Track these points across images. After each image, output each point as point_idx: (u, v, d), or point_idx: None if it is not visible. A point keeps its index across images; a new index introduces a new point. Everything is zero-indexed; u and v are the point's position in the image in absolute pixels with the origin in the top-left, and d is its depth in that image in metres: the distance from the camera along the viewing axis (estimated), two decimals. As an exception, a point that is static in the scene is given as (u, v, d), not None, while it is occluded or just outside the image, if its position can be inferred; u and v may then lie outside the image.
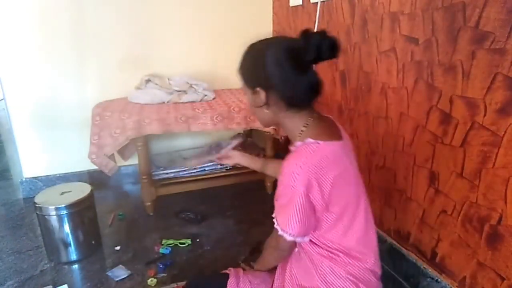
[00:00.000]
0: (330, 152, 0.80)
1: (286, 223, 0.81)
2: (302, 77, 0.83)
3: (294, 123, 0.87)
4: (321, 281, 0.85)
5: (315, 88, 0.85)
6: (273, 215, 0.86)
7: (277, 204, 0.85)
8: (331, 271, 0.85)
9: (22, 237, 1.70)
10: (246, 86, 0.89)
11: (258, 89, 0.84)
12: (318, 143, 0.80)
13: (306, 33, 0.80)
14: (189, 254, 1.55)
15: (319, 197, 0.79)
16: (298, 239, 0.83)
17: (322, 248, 0.86)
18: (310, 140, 0.80)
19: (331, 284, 0.84)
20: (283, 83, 0.83)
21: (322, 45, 0.78)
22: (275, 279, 0.97)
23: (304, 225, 0.80)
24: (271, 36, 1.00)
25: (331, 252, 0.86)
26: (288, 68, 0.81)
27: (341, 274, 0.84)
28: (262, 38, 0.90)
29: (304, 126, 0.85)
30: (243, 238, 1.66)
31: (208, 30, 2.18)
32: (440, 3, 1.06)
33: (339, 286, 0.84)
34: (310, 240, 0.87)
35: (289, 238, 0.81)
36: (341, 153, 0.83)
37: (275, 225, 0.84)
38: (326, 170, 0.78)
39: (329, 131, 0.86)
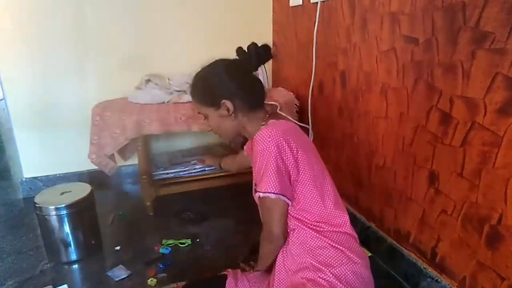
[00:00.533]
0: (292, 126, 1.00)
1: (267, 184, 0.90)
2: (253, 81, 1.03)
3: (256, 123, 1.01)
4: (311, 256, 0.90)
5: (263, 88, 1.05)
6: (256, 194, 0.96)
7: (257, 178, 0.94)
8: (318, 244, 0.91)
9: (22, 237, 1.70)
10: (206, 107, 1.02)
11: (223, 101, 0.98)
12: (279, 121, 0.98)
13: (241, 48, 1.04)
14: (189, 254, 1.55)
15: (290, 156, 0.91)
16: (282, 197, 0.91)
17: (306, 223, 0.93)
18: (273, 120, 0.99)
19: (320, 256, 0.89)
20: (243, 89, 1.00)
21: (260, 52, 1.01)
22: (270, 280, 0.97)
23: (283, 182, 0.91)
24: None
25: (315, 225, 0.93)
26: (241, 76, 1.02)
27: (327, 244, 0.90)
28: (202, 68, 1.08)
29: (264, 122, 1.01)
30: (243, 238, 1.66)
31: (208, 30, 2.18)
32: (440, 3, 1.06)
33: (328, 256, 0.89)
34: (295, 218, 0.95)
35: (273, 196, 0.90)
36: (301, 132, 1.02)
37: (258, 195, 0.93)
38: (292, 136, 0.93)
39: (286, 119, 1.04)
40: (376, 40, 1.37)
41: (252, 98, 1.02)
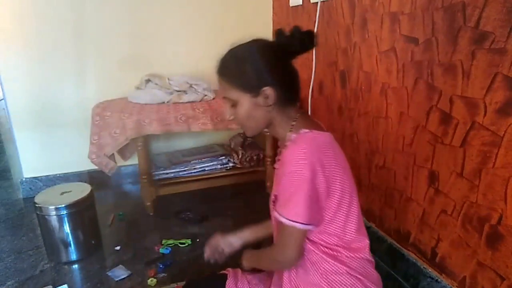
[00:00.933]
0: (326, 140, 0.85)
1: (295, 212, 0.78)
2: (294, 70, 0.89)
3: (286, 119, 0.88)
4: (324, 281, 0.84)
5: (299, 81, 0.91)
6: (275, 216, 0.82)
7: (280, 199, 0.82)
8: (333, 269, 0.84)
9: (22, 237, 1.70)
10: (239, 91, 0.84)
11: (265, 88, 0.82)
12: (312, 132, 0.83)
13: (282, 31, 0.89)
14: (189, 254, 1.55)
15: (323, 181, 0.79)
16: (310, 227, 0.80)
17: (322, 245, 0.85)
18: (305, 130, 0.83)
19: (334, 282, 0.83)
20: (285, 78, 0.86)
21: (304, 38, 0.86)
22: (271, 285, 0.94)
23: (313, 211, 0.80)
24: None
25: (331, 249, 0.85)
26: (284, 62, 0.87)
27: (343, 271, 0.83)
28: (239, 43, 0.91)
29: (294, 121, 0.87)
30: (243, 238, 1.66)
31: (208, 30, 2.18)
32: (440, 3, 1.06)
33: (343, 283, 0.83)
34: (312, 240, 0.86)
35: (300, 226, 0.79)
36: (335, 143, 0.88)
37: (281, 220, 0.79)
38: (326, 155, 0.81)
39: (317, 123, 0.90)
40: (376, 40, 1.37)
41: (291, 90, 0.88)
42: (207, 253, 1.13)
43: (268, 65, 0.84)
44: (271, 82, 0.83)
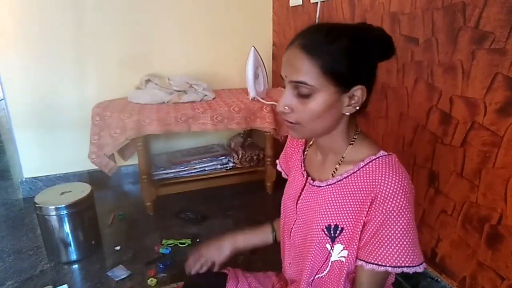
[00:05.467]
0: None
1: (415, 254, 0.66)
2: (376, 73, 0.71)
3: (349, 130, 0.72)
4: None
5: None
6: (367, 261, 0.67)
7: (392, 244, 0.65)
8: None
9: (22, 237, 1.70)
10: (326, 81, 0.63)
11: (358, 87, 0.66)
12: (392, 155, 0.69)
13: (372, 27, 0.68)
14: (189, 254, 1.55)
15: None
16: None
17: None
18: (384, 152, 0.69)
19: None
20: (373, 80, 0.70)
21: (389, 45, 0.68)
22: None
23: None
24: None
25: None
26: (373, 60, 0.69)
27: None
28: (330, 23, 0.68)
29: (357, 134, 0.73)
30: (243, 238, 1.66)
31: (208, 30, 2.18)
32: (440, 3, 1.06)
33: None
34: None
35: (420, 270, 0.67)
36: None
37: (402, 270, 0.65)
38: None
39: (375, 141, 0.75)
40: (376, 40, 1.37)
41: (369, 98, 0.70)
42: (189, 264, 1.00)
43: (364, 60, 0.66)
44: (365, 82, 0.67)
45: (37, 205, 1.43)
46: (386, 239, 0.64)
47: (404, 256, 0.65)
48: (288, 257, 0.86)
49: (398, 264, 0.65)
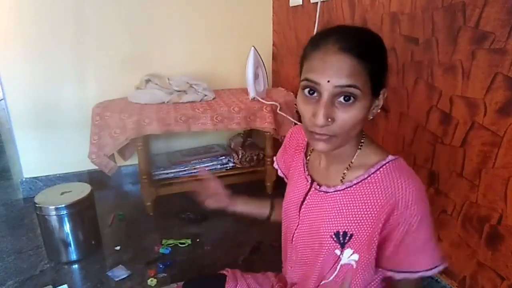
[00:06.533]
0: None
1: (440, 252, 0.67)
2: None
3: (359, 133, 0.70)
4: None
5: None
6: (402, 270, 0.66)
7: (411, 244, 0.64)
8: None
9: (22, 237, 1.70)
10: (368, 86, 0.61)
11: (384, 89, 0.65)
12: (399, 158, 0.69)
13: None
14: (189, 254, 1.55)
15: None
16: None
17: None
18: (392, 156, 0.68)
19: None
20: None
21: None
22: None
23: None
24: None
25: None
26: None
27: None
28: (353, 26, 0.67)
29: (363, 137, 0.71)
30: (243, 238, 1.66)
31: (208, 30, 2.18)
32: (440, 3, 1.06)
33: None
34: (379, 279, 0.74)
35: (446, 265, 0.67)
36: None
37: (417, 275, 0.65)
38: None
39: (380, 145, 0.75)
40: (376, 40, 1.37)
41: None
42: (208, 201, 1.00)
43: (387, 67, 0.66)
44: (385, 85, 0.66)
45: (37, 205, 1.43)
46: (416, 245, 0.64)
47: (435, 257, 0.65)
48: (289, 260, 0.85)
49: (431, 266, 0.65)
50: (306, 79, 0.62)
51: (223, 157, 2.08)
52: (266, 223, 1.04)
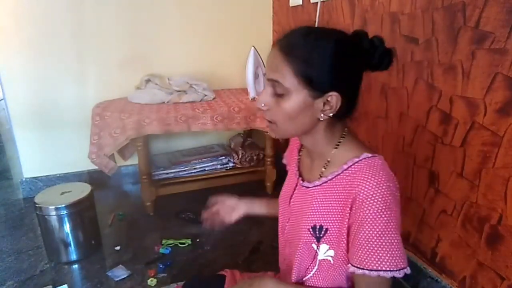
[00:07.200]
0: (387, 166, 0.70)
1: (399, 257, 0.64)
2: (360, 83, 0.70)
3: (333, 133, 0.72)
4: None
5: None
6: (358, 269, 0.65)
7: (368, 247, 0.64)
8: None
9: (22, 237, 1.70)
10: (300, 83, 0.64)
11: (333, 93, 0.65)
12: (377, 156, 0.69)
13: (363, 34, 0.69)
14: (189, 254, 1.55)
15: (399, 217, 0.68)
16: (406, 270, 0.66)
17: None
18: (368, 154, 0.68)
19: None
20: (355, 89, 0.69)
21: (385, 56, 0.68)
22: None
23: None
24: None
25: None
26: (359, 70, 0.69)
27: None
28: (314, 27, 0.69)
29: (342, 137, 0.72)
30: (243, 238, 1.66)
31: (208, 30, 2.18)
32: (440, 3, 1.06)
33: None
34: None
35: (399, 275, 0.65)
36: None
37: (373, 274, 0.64)
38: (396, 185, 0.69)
39: (364, 144, 0.75)
40: (376, 40, 1.37)
41: (353, 104, 0.70)
42: (205, 219, 1.04)
43: (345, 67, 0.65)
44: (341, 89, 0.65)
45: (37, 205, 1.43)
46: (362, 241, 0.64)
47: (380, 260, 0.64)
48: (283, 253, 0.88)
49: (374, 267, 0.64)
50: None
51: (223, 157, 2.08)
52: (266, 223, 1.04)
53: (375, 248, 0.64)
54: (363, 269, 0.65)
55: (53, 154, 2.09)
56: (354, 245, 0.66)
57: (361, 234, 0.64)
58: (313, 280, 0.76)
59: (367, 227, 0.64)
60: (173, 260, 1.50)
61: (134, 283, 1.38)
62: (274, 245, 1.02)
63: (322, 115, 0.67)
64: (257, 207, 1.04)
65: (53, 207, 1.42)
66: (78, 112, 2.03)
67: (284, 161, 0.99)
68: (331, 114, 0.67)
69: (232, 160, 2.09)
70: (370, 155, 0.68)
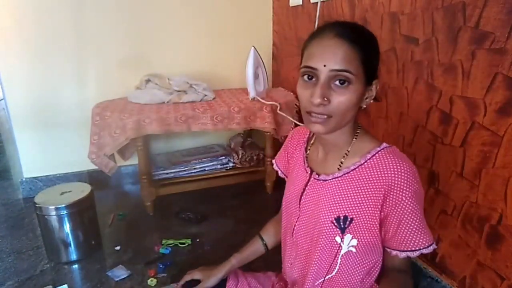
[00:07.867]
0: None
1: (430, 233, 0.70)
2: None
3: (355, 123, 0.74)
4: None
5: None
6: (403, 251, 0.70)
7: (411, 231, 0.68)
8: None
9: (22, 237, 1.70)
10: (363, 74, 0.66)
11: (376, 81, 0.70)
12: (392, 146, 0.72)
13: None
14: (189, 254, 1.55)
15: None
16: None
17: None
18: (386, 144, 0.72)
19: None
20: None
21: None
22: None
23: None
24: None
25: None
26: None
27: None
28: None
29: (358, 128, 0.75)
30: (243, 238, 1.66)
31: (208, 30, 2.18)
32: (440, 3, 1.06)
33: None
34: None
35: (431, 249, 0.70)
36: None
37: (415, 253, 0.69)
38: None
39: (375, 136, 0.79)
40: (376, 40, 1.37)
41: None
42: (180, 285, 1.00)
43: (379, 58, 0.72)
44: (377, 75, 0.71)
45: (37, 205, 1.43)
46: (414, 224, 0.68)
47: (428, 235, 0.69)
48: (289, 257, 0.86)
49: (428, 243, 0.69)
50: (305, 66, 0.67)
51: (223, 157, 2.08)
52: (266, 223, 1.04)
53: (417, 231, 0.68)
54: (405, 251, 0.69)
55: (53, 154, 2.09)
56: (402, 231, 0.69)
57: (409, 218, 0.67)
58: (334, 283, 0.76)
59: (413, 210, 0.67)
60: (173, 260, 1.50)
61: (134, 283, 1.38)
62: (274, 247, 1.02)
63: (366, 102, 0.70)
64: (236, 262, 1.00)
65: (53, 207, 1.42)
66: (78, 112, 2.03)
67: (276, 166, 0.97)
68: (372, 99, 0.71)
69: (232, 160, 2.09)
70: (388, 145, 0.72)
